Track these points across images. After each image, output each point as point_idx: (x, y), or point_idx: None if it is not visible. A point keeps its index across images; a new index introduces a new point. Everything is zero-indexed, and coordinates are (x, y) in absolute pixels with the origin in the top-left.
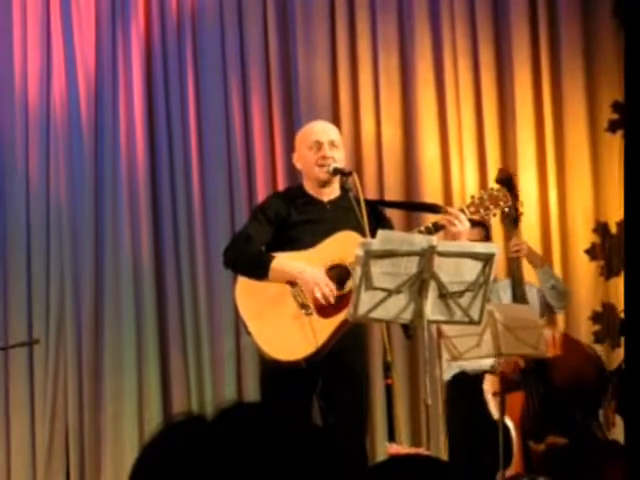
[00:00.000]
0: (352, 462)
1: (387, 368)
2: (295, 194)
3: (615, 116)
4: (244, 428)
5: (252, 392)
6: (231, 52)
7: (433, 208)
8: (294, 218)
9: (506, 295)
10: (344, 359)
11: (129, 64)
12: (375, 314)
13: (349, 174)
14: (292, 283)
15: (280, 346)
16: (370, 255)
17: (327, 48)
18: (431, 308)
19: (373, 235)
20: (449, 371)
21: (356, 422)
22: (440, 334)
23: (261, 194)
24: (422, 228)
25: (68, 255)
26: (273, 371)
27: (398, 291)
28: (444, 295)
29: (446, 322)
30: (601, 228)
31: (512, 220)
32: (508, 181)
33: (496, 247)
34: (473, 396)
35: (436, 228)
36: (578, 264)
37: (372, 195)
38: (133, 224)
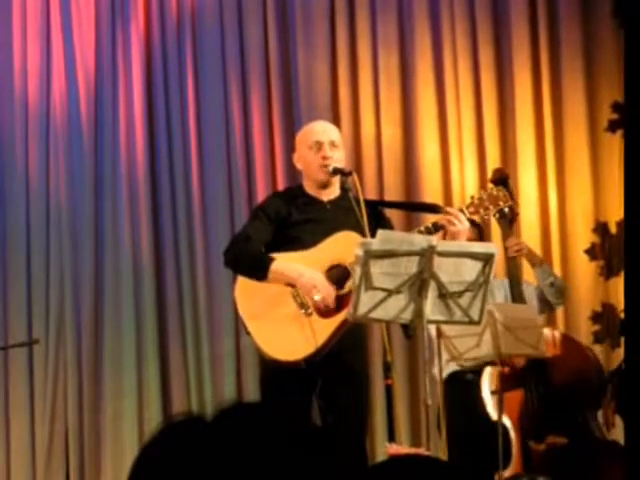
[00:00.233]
0: (352, 462)
1: (387, 368)
2: (295, 194)
3: (615, 116)
4: (243, 428)
5: (252, 392)
6: (231, 52)
7: (433, 208)
8: (294, 218)
9: (500, 294)
10: (344, 359)
11: (129, 64)
12: (375, 314)
13: (349, 174)
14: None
15: (279, 346)
16: (370, 255)
17: (327, 48)
18: (431, 308)
19: (373, 235)
20: (446, 369)
21: (356, 422)
22: (440, 334)
23: (261, 194)
24: (422, 228)
25: (68, 255)
26: (273, 371)
27: (398, 291)
28: (444, 295)
29: (446, 322)
30: (601, 228)
31: (508, 220)
32: (503, 181)
33: (495, 247)
34: (470, 395)
35: (436, 228)
36: (578, 264)
37: (372, 195)
38: (133, 224)
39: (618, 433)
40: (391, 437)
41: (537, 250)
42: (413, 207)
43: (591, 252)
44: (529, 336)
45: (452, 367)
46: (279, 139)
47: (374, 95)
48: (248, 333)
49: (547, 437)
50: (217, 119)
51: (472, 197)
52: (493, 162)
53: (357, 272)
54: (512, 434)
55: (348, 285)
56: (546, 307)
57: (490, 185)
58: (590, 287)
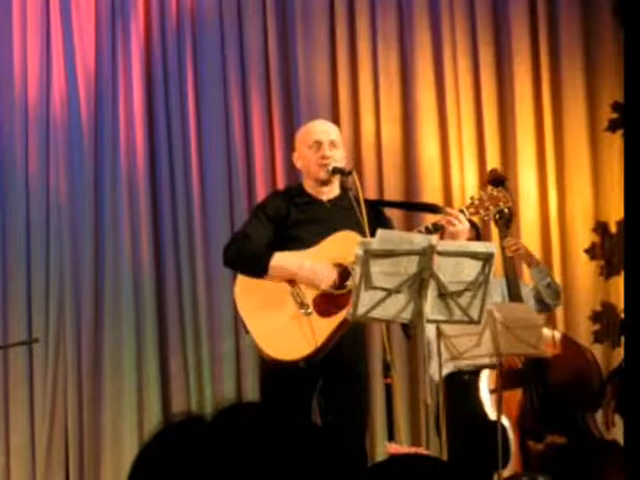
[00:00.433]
0: (352, 461)
1: (387, 367)
2: (295, 193)
3: (615, 115)
4: (243, 428)
5: (252, 392)
6: (231, 52)
7: (433, 208)
8: (294, 217)
9: (497, 293)
10: (344, 358)
11: (129, 65)
12: (375, 314)
13: (349, 173)
14: (291, 282)
15: (279, 345)
16: (370, 254)
17: (327, 48)
18: (431, 307)
19: (373, 235)
20: (444, 370)
21: (356, 422)
22: (440, 334)
23: (261, 194)
24: (422, 228)
25: (68, 254)
26: (273, 371)
27: (398, 291)
28: (443, 294)
29: (446, 321)
30: (601, 228)
31: (506, 220)
32: (500, 182)
33: (495, 246)
34: (467, 395)
35: (435, 228)
36: (578, 264)
37: (371, 195)
38: (133, 224)
39: (618, 432)
40: (391, 436)
41: (537, 249)
42: (413, 207)
43: (591, 252)
44: (529, 336)
45: (450, 368)
46: (279, 139)
47: (374, 95)
48: (247, 332)
49: (546, 437)
50: (217, 119)
51: (472, 198)
52: (493, 162)
53: (357, 271)
54: (510, 433)
55: (348, 284)
56: (543, 307)
57: (490, 186)
58: (590, 287)
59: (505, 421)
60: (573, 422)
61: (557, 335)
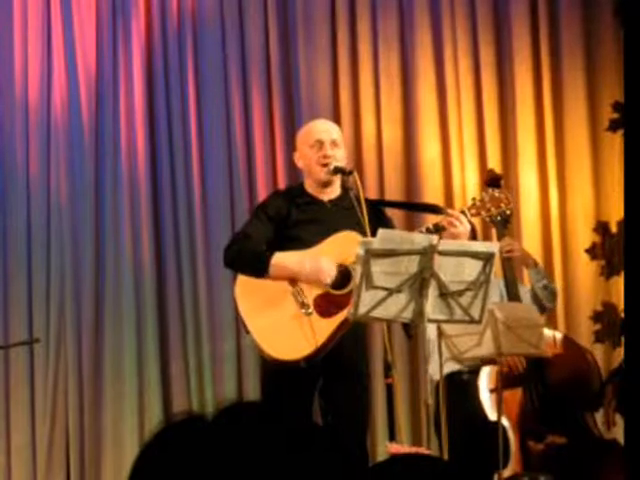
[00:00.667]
0: (353, 461)
1: (388, 367)
2: (296, 193)
3: (616, 115)
4: (244, 427)
5: (253, 392)
6: (232, 52)
7: (434, 209)
8: (295, 217)
9: (495, 293)
10: (345, 358)
11: (130, 64)
12: (376, 313)
13: (350, 173)
14: (292, 282)
15: (279, 345)
16: (371, 254)
17: (328, 48)
18: (431, 307)
19: (374, 235)
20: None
21: (357, 421)
22: (440, 333)
23: (262, 194)
24: (423, 229)
25: (69, 255)
26: (274, 371)
27: (399, 290)
28: (444, 294)
29: (446, 321)
30: (602, 227)
31: (503, 221)
32: (497, 182)
33: (496, 246)
34: (466, 395)
35: (437, 229)
36: (579, 263)
37: (372, 195)
38: (134, 224)
39: (619, 432)
40: (392, 436)
41: (538, 249)
42: (414, 207)
43: (592, 251)
44: (530, 335)
45: (449, 368)
46: (280, 138)
47: (375, 95)
48: (247, 332)
49: (546, 436)
50: (218, 119)
51: (474, 199)
52: (494, 162)
53: (358, 271)
54: (510, 433)
55: (349, 285)
56: (539, 309)
57: (492, 188)
58: (591, 286)
59: (505, 421)
60: (573, 422)
61: (558, 336)
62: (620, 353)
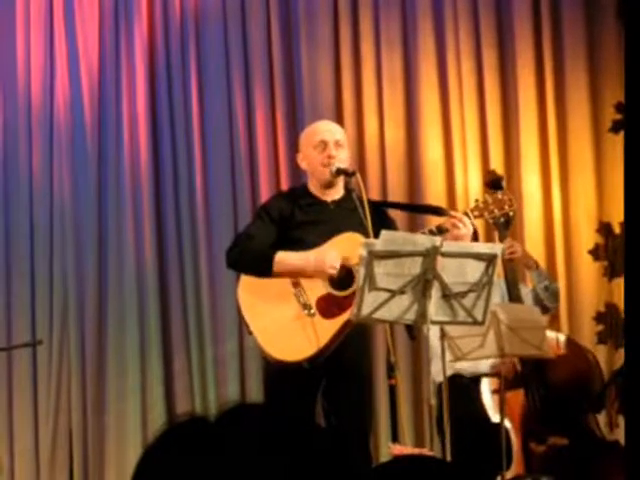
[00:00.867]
0: (356, 462)
1: (391, 368)
2: (299, 194)
3: (618, 117)
4: (247, 429)
5: (256, 393)
6: (234, 52)
7: (437, 210)
8: (298, 218)
9: (497, 294)
10: (348, 359)
11: (132, 64)
12: (379, 315)
13: (352, 174)
14: (295, 283)
15: (282, 346)
16: (373, 255)
17: (330, 49)
18: (434, 308)
19: (377, 236)
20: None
21: (360, 422)
22: (443, 335)
23: (264, 194)
24: (425, 231)
25: (71, 256)
26: (276, 372)
27: (401, 292)
28: (447, 295)
29: (449, 323)
30: (604, 228)
31: (505, 223)
32: (497, 183)
33: (499, 248)
34: (468, 397)
35: (440, 231)
36: (582, 264)
37: (375, 196)
38: (136, 225)
39: (621, 433)
40: (395, 437)
41: (541, 250)
42: (417, 209)
43: (595, 252)
44: (533, 336)
45: (449, 371)
46: (282, 139)
47: (377, 97)
48: (250, 333)
49: (548, 438)
50: (221, 119)
51: (477, 200)
52: (497, 163)
53: (361, 272)
54: (513, 435)
55: (352, 286)
56: (541, 309)
57: (494, 190)
58: (594, 287)
59: (507, 423)
60: (575, 423)
61: (561, 337)
62: (623, 354)
